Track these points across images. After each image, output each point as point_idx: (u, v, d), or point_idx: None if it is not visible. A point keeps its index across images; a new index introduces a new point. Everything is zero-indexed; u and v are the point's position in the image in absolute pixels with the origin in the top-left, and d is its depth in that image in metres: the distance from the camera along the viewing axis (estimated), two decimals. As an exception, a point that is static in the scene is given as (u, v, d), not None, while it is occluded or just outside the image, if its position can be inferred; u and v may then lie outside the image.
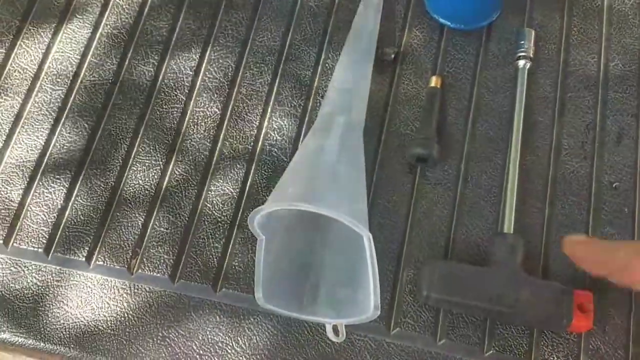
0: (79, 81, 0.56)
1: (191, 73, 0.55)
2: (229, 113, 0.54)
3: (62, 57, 0.56)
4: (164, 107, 0.54)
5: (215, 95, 0.55)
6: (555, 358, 0.45)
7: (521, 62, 0.54)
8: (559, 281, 0.47)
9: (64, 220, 0.51)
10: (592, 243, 0.45)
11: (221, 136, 0.53)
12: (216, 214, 0.50)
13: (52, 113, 0.54)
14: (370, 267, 0.42)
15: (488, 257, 0.47)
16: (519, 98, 0.52)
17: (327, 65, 0.56)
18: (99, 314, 0.48)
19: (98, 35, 0.57)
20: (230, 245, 0.49)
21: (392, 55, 0.55)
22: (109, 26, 0.57)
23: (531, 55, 0.54)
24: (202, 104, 0.54)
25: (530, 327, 0.46)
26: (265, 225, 0.45)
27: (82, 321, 0.48)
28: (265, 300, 0.45)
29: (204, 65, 0.56)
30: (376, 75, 0.54)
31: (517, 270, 0.45)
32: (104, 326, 0.48)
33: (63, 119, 0.54)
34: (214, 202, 0.51)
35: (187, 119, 0.54)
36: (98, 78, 0.56)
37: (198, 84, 0.55)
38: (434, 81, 0.54)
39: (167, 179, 0.52)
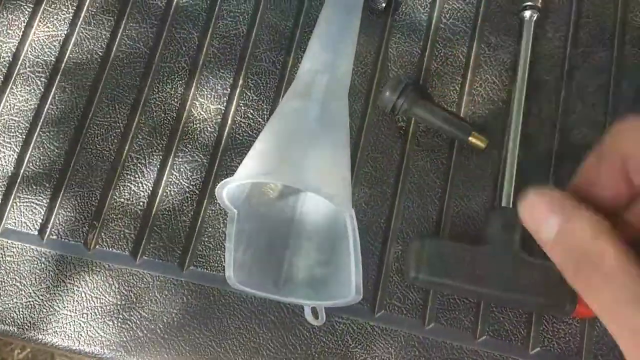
0: (32, 32, 0.49)
1: (155, 22, 0.49)
2: (199, 68, 0.48)
3: (14, 6, 0.50)
4: (125, 61, 0.48)
5: (184, 48, 0.49)
6: (556, 345, 0.41)
7: (527, 13, 0.47)
8: (562, 261, 0.42)
9: (14, 189, 0.46)
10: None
11: (190, 95, 0.48)
12: (184, 183, 0.45)
13: (2, 69, 0.48)
14: (352, 247, 0.37)
15: (484, 234, 0.42)
16: (523, 54, 0.47)
17: (310, 15, 0.49)
18: (54, 293, 0.44)
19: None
20: (200, 219, 0.45)
21: (383, 5, 0.48)
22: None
23: (539, 5, 0.47)
24: (168, 58, 0.48)
25: (530, 312, 0.42)
26: (236, 197, 0.40)
27: (36, 300, 0.43)
28: (237, 280, 0.41)
29: (170, 13, 0.50)
30: (365, 28, 0.48)
31: (516, 250, 0.41)
32: (60, 306, 0.43)
33: (13, 77, 0.48)
34: (182, 169, 0.46)
35: (151, 74, 0.48)
36: (53, 29, 0.49)
37: (164, 35, 0.49)
38: None
39: (128, 142, 0.46)
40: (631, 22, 0.48)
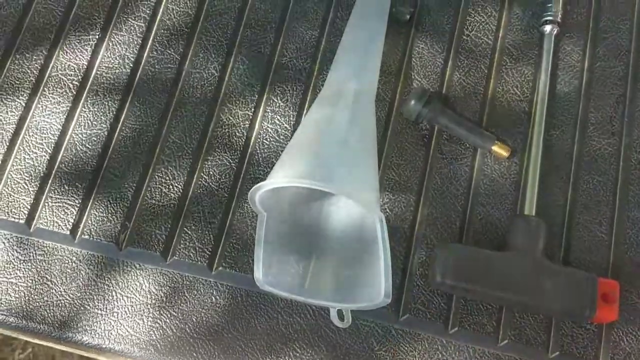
0: (63, 36, 0.51)
1: (186, 30, 0.50)
2: (227, 76, 0.49)
3: (45, 10, 0.51)
4: (157, 67, 0.49)
5: (213, 56, 0.50)
6: (574, 349, 0.42)
7: (548, 27, 0.49)
8: (581, 268, 0.44)
9: (47, 189, 0.47)
10: None
11: (219, 101, 0.49)
12: (213, 186, 0.46)
13: (34, 73, 0.49)
14: (382, 251, 0.39)
15: (507, 241, 0.44)
16: (544, 67, 0.48)
17: (336, 24, 0.51)
18: (85, 292, 0.44)
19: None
20: (228, 221, 0.46)
21: (408, 16, 0.50)
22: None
23: (559, 20, 0.49)
24: (199, 65, 0.50)
25: (550, 317, 0.43)
26: (266, 200, 0.42)
27: (67, 299, 0.44)
28: (265, 281, 0.42)
29: (200, 22, 0.51)
30: (389, 37, 0.50)
31: (539, 257, 0.42)
32: (91, 305, 0.44)
33: (45, 80, 0.49)
34: (211, 172, 0.47)
35: (181, 80, 0.49)
36: (85, 34, 0.51)
37: (194, 42, 0.50)
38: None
39: (159, 146, 0.47)
40: (648, 37, 0.50)
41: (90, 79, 0.49)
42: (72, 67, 0.50)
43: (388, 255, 0.39)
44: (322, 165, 0.40)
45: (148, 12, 0.51)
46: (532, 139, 0.46)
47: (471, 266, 0.42)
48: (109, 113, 0.48)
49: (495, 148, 0.46)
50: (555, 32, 0.49)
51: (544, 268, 0.41)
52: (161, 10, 0.51)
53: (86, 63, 0.50)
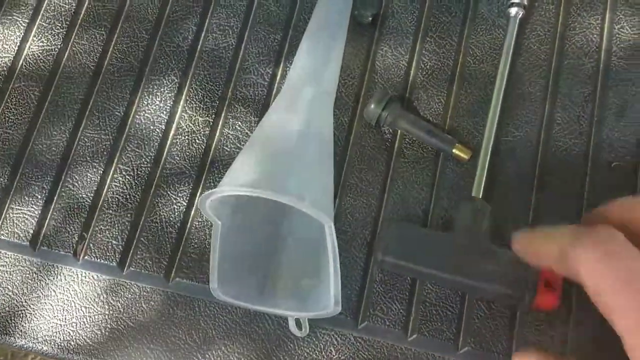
0: (27, 46, 0.51)
1: (146, 36, 0.50)
2: (188, 81, 0.49)
3: (10, 22, 0.51)
4: (115, 75, 0.49)
5: (173, 62, 0.49)
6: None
7: (513, 10, 0.48)
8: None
9: (8, 201, 0.47)
10: (533, 232, 0.37)
11: (179, 107, 0.49)
12: (171, 194, 0.46)
13: (-3, 81, 0.50)
14: (331, 259, 0.38)
15: (452, 223, 0.43)
16: (506, 49, 0.47)
17: (298, 28, 0.50)
18: (45, 302, 0.44)
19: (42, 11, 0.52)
20: (186, 231, 0.45)
21: (370, 18, 0.49)
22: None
23: (525, 3, 0.48)
24: (158, 71, 0.49)
25: (493, 302, 0.42)
26: (221, 208, 0.41)
27: (27, 309, 0.44)
28: (222, 291, 0.42)
29: (161, 27, 0.50)
30: (351, 40, 0.49)
31: (481, 239, 0.41)
32: (50, 315, 0.44)
33: (9, 91, 0.49)
34: (169, 181, 0.46)
35: (140, 87, 0.49)
36: (47, 44, 0.51)
37: (154, 48, 0.50)
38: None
39: (117, 155, 0.47)
40: (618, 34, 0.48)
41: (52, 89, 0.49)
42: (35, 78, 0.50)
43: (337, 263, 0.38)
44: (272, 172, 0.40)
45: (109, 20, 0.51)
46: (488, 121, 0.45)
47: (413, 245, 0.41)
48: (69, 123, 0.48)
49: (455, 151, 0.45)
50: (520, 15, 0.48)
51: (485, 250, 0.40)
52: (123, 16, 0.51)
53: (48, 73, 0.50)
